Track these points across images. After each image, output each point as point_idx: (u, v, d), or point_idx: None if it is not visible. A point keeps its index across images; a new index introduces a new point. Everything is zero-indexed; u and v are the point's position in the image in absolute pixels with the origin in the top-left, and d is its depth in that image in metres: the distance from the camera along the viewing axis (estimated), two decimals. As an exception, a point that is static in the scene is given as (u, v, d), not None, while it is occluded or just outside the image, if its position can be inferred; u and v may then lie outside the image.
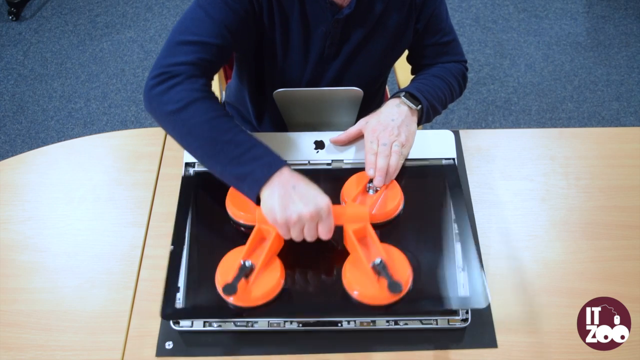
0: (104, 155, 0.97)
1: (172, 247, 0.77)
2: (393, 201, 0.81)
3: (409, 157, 0.88)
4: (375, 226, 0.77)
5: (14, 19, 2.33)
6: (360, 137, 0.89)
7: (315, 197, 0.70)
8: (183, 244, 0.78)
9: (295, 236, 0.71)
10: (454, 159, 0.90)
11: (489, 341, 0.74)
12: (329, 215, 0.70)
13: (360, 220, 0.75)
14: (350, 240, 0.74)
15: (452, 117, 2.01)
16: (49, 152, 0.97)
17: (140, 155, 0.96)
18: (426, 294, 0.73)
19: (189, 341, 0.74)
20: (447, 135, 0.93)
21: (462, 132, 0.98)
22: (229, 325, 0.73)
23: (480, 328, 0.75)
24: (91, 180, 0.92)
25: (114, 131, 1.01)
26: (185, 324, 0.73)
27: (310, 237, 0.71)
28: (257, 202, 0.72)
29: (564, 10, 2.39)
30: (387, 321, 0.74)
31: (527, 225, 0.87)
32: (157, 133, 0.98)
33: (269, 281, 0.71)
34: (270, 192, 0.70)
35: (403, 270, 0.72)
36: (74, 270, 0.82)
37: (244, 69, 1.00)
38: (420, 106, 0.87)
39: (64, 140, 1.00)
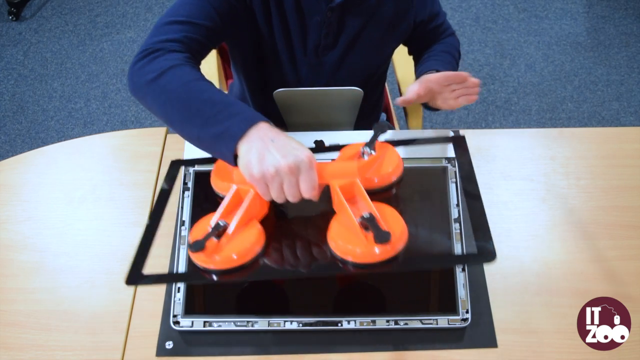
0: (104, 155, 0.97)
1: (148, 222, 0.72)
2: (390, 165, 0.75)
3: (409, 156, 0.87)
4: (372, 193, 0.69)
5: (14, 19, 2.33)
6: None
7: (295, 149, 0.63)
8: (159, 220, 0.73)
9: (276, 195, 0.64)
10: (453, 159, 0.89)
11: (489, 341, 0.74)
12: (311, 168, 0.63)
13: (348, 176, 0.69)
14: (337, 196, 0.68)
15: (452, 117, 2.00)
16: (48, 152, 0.97)
17: (140, 155, 0.95)
18: (424, 252, 0.68)
19: (189, 341, 0.74)
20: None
21: (462, 132, 0.98)
22: (229, 325, 0.73)
23: (480, 328, 0.75)
24: (91, 180, 0.92)
25: (114, 131, 1.01)
26: (185, 324, 0.73)
27: (292, 196, 0.64)
28: (236, 163, 0.66)
29: (564, 10, 2.39)
30: (387, 321, 0.74)
31: (527, 225, 0.87)
32: (157, 133, 0.98)
33: (244, 242, 0.65)
34: (248, 148, 0.63)
35: (395, 226, 0.65)
36: (74, 270, 0.82)
37: (241, 66, 1.00)
38: None
39: (64, 140, 1.00)
